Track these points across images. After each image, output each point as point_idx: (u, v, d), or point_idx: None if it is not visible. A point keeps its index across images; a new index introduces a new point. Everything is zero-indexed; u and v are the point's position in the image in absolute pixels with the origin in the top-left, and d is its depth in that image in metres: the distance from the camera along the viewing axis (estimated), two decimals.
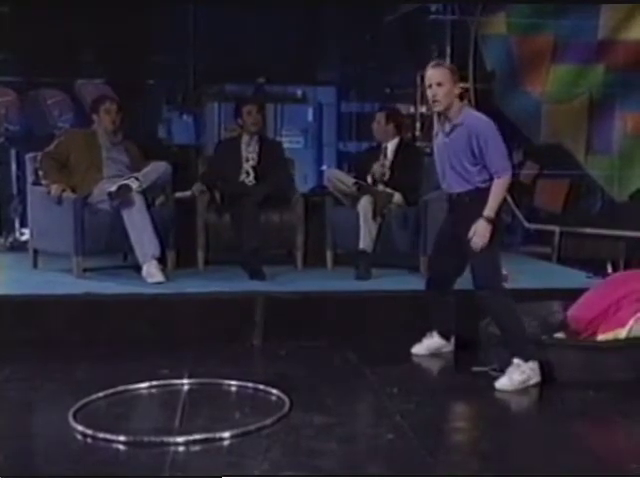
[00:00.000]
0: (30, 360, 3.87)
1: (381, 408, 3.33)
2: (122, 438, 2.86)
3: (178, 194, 5.18)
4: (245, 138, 5.42)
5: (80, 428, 2.95)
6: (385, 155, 5.36)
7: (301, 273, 5.26)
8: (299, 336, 4.21)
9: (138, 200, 4.70)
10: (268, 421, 3.03)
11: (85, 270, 4.86)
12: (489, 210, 3.57)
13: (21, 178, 6.85)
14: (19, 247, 6.59)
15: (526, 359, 3.56)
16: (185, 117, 7.71)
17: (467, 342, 4.09)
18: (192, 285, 4.64)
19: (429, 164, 4.76)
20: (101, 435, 2.89)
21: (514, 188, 6.64)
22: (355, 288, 4.72)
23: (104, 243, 4.87)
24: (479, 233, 3.56)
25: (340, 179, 5.27)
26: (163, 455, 2.75)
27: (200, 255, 5.21)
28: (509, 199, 6.66)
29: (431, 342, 4.13)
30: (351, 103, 8.29)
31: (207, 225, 5.22)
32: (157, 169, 4.90)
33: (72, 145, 5.01)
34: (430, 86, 3.64)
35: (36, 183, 5.06)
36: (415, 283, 4.82)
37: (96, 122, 5.08)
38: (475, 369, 3.77)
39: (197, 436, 2.88)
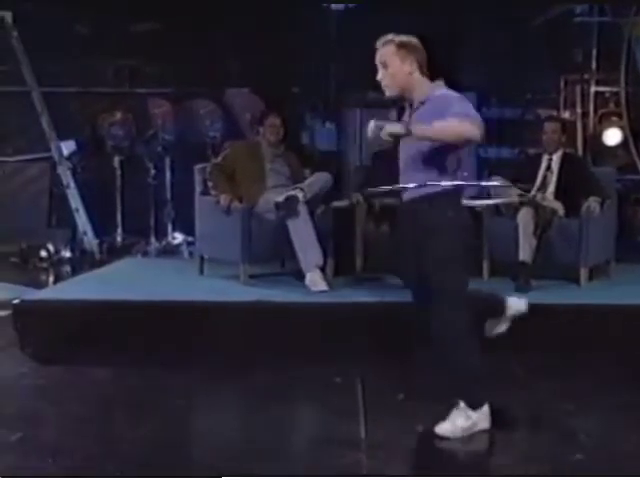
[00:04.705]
0: (206, 365, 4.06)
1: (562, 426, 3.32)
2: None
3: (336, 203, 5.27)
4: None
5: None
6: (549, 166, 5.29)
7: None
8: None
9: (303, 210, 4.84)
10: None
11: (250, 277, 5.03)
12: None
13: (175, 185, 7.21)
14: (171, 251, 6.93)
15: (472, 404, 3.13)
16: (327, 124, 7.83)
17: None
18: (353, 294, 4.75)
19: None
20: None
21: None
22: None
23: (269, 251, 5.05)
24: None
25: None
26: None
27: (358, 263, 5.30)
28: None
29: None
30: (491, 108, 8.19)
31: (365, 234, 5.32)
32: (320, 180, 5.04)
33: (238, 157, 5.21)
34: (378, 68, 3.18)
35: (204, 193, 5.28)
36: (578, 295, 4.78)
37: (260, 135, 5.29)
38: None
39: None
